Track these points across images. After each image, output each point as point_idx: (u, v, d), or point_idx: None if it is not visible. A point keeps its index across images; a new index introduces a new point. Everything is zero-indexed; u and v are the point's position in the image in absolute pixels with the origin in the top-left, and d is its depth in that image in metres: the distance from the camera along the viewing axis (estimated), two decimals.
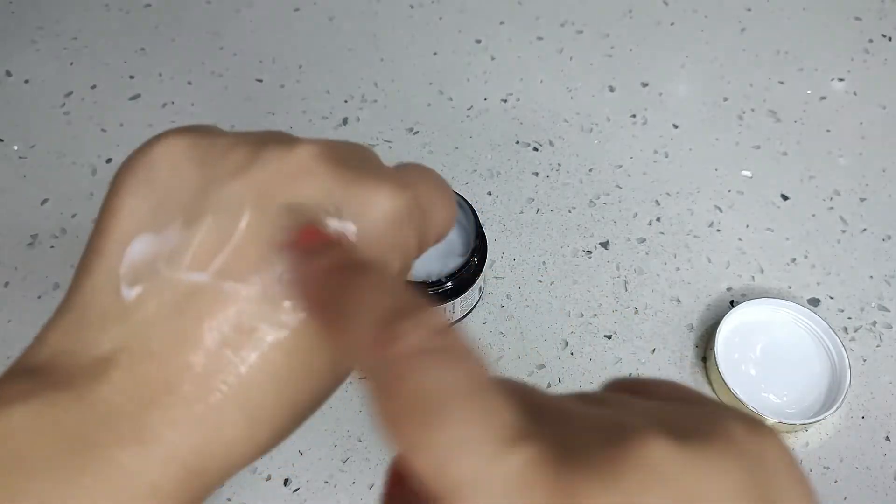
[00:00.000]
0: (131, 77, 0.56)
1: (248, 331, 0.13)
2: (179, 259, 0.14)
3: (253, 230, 0.14)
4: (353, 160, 0.15)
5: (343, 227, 0.14)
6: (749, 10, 0.60)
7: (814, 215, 0.49)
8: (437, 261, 0.40)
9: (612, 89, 0.55)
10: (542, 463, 0.10)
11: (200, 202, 0.14)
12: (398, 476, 0.14)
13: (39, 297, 0.46)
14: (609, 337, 0.44)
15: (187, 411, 0.13)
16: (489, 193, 0.50)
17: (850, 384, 0.40)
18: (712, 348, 0.41)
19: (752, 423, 0.13)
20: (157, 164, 0.15)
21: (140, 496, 0.12)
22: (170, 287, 0.14)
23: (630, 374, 0.43)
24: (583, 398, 0.14)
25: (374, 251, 0.14)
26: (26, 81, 0.56)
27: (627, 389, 0.15)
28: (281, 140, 0.15)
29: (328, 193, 0.14)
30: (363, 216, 0.14)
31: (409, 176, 0.16)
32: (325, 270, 0.13)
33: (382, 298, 0.12)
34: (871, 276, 0.46)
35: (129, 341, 0.13)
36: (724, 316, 0.42)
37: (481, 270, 0.41)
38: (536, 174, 0.50)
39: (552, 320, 0.44)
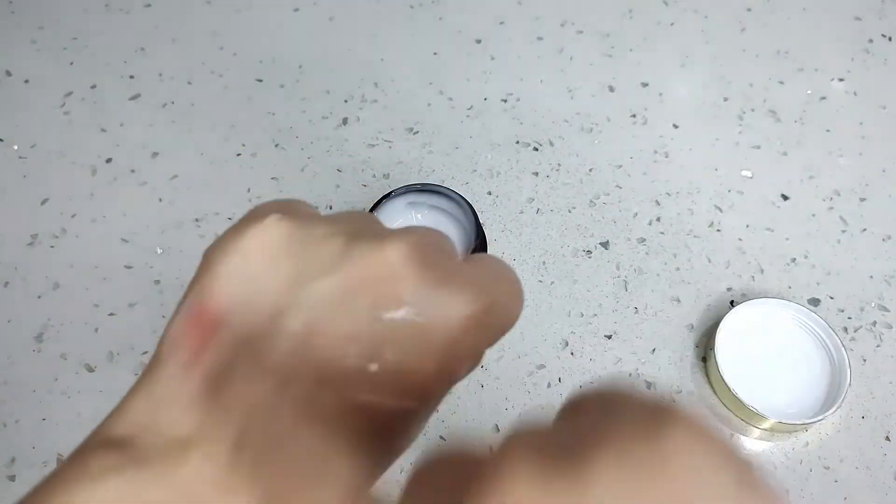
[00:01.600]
0: (131, 77, 0.56)
1: (319, 431, 0.14)
2: (269, 352, 0.14)
3: (337, 329, 0.14)
4: (437, 259, 0.15)
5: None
6: (749, 10, 0.60)
7: (814, 215, 0.49)
8: None
9: (612, 89, 0.55)
10: None
11: (292, 297, 0.15)
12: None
13: (39, 297, 0.45)
14: (609, 337, 0.44)
15: (271, 488, 0.13)
16: (489, 193, 0.50)
17: (850, 384, 0.40)
18: (712, 348, 0.41)
19: (653, 429, 0.11)
20: (253, 255, 0.15)
21: None
22: (264, 380, 0.14)
23: (630, 374, 0.43)
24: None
25: (450, 354, 0.15)
26: (26, 81, 0.56)
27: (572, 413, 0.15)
28: (370, 233, 0.16)
29: (413, 298, 0.14)
30: (443, 319, 0.15)
31: (485, 274, 0.16)
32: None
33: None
34: (871, 276, 0.46)
35: (208, 427, 0.14)
36: (724, 316, 0.42)
37: None
38: (536, 174, 0.50)
39: (552, 320, 0.44)
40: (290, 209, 0.17)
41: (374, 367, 0.14)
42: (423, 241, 0.16)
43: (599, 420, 0.13)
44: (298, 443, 0.14)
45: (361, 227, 0.16)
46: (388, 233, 0.16)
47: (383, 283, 0.15)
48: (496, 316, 0.16)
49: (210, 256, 0.16)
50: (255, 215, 0.16)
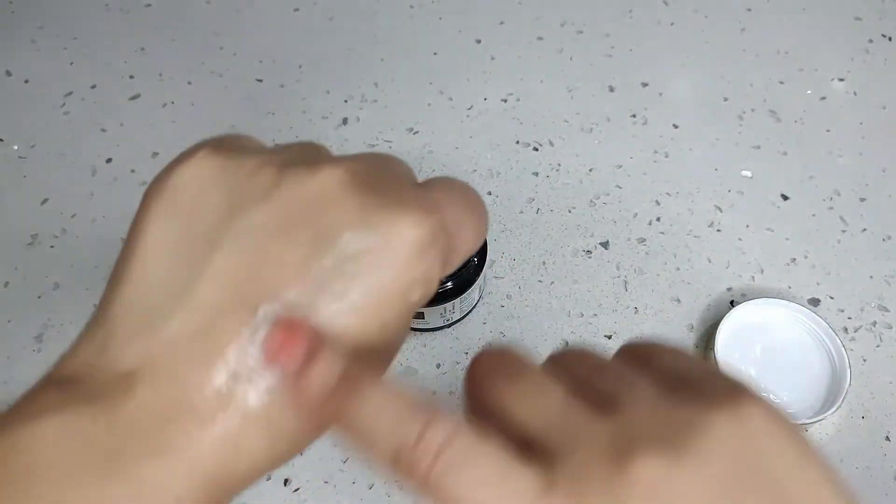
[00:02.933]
0: (131, 77, 0.56)
1: (261, 360, 0.14)
2: (204, 284, 0.14)
3: (274, 258, 0.14)
4: (379, 183, 0.15)
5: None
6: (749, 10, 0.60)
7: (814, 215, 0.49)
8: None
9: (612, 89, 0.55)
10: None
11: (225, 229, 0.14)
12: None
13: (39, 297, 0.45)
14: (609, 337, 0.44)
15: (209, 429, 0.13)
16: (489, 193, 0.50)
17: (850, 384, 0.40)
18: (712, 348, 0.41)
19: (736, 405, 0.14)
20: (183, 189, 0.15)
21: None
22: (194, 311, 0.14)
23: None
24: (591, 372, 0.16)
25: (397, 281, 0.14)
26: (26, 81, 0.56)
27: (635, 359, 0.17)
28: (307, 160, 0.15)
29: (350, 223, 0.14)
30: (385, 246, 0.14)
31: (436, 195, 0.16)
32: (322, 387, 0.14)
33: (391, 421, 0.13)
34: (871, 276, 0.46)
35: (154, 359, 0.14)
36: (724, 316, 0.42)
37: (481, 270, 0.41)
38: (536, 174, 0.50)
39: (552, 320, 0.44)
40: (222, 143, 0.16)
41: (318, 301, 0.14)
42: (362, 166, 0.15)
43: (705, 399, 0.14)
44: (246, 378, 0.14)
45: (298, 155, 0.16)
46: (326, 158, 0.15)
47: (320, 207, 0.14)
48: (446, 237, 0.15)
49: (146, 194, 0.16)
50: (187, 151, 0.16)
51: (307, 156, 0.16)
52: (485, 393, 0.16)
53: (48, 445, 0.13)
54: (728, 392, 0.14)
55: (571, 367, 0.17)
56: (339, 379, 0.14)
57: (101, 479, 0.13)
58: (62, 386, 0.14)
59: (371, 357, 0.15)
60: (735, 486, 0.13)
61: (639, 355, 0.17)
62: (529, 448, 0.14)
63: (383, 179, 0.15)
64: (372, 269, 0.14)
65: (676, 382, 0.15)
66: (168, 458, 0.13)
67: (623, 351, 0.17)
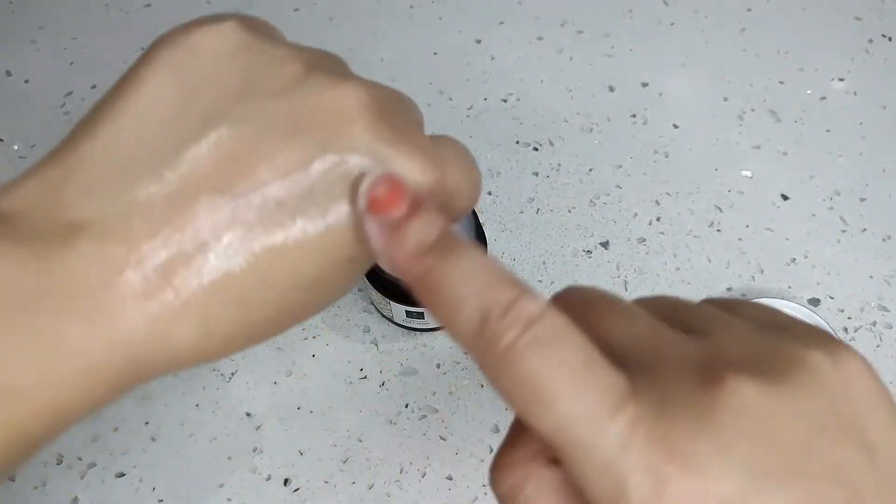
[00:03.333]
0: None
1: (225, 245, 0.13)
2: (190, 155, 0.13)
3: (272, 152, 0.13)
4: (396, 117, 0.15)
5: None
6: (749, 10, 0.60)
7: (814, 215, 0.49)
8: None
9: (612, 89, 0.55)
10: (642, 421, 0.12)
11: (230, 107, 0.14)
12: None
13: None
14: None
15: (143, 305, 0.13)
16: (489, 193, 0.50)
17: None
18: None
19: (834, 350, 0.13)
20: (199, 51, 0.14)
21: (76, 372, 0.12)
22: (169, 179, 0.13)
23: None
24: (678, 309, 0.15)
25: None
26: (26, 81, 0.56)
27: (723, 306, 0.16)
28: (333, 70, 0.15)
29: (360, 146, 0.14)
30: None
31: (442, 151, 0.15)
32: (415, 246, 0.13)
33: (478, 278, 0.12)
34: (871, 276, 0.46)
35: (108, 216, 0.13)
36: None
37: None
38: (536, 174, 0.50)
39: None
40: (254, 22, 0.15)
41: (304, 202, 0.13)
42: (384, 94, 0.15)
43: (797, 337, 0.14)
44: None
45: (324, 62, 0.15)
46: (351, 75, 0.15)
47: (335, 121, 0.14)
48: (445, 193, 0.15)
49: (155, 44, 0.15)
50: (212, 17, 0.15)
51: (333, 66, 0.15)
52: (572, 312, 0.14)
53: None
54: (826, 339, 0.14)
55: (659, 304, 0.16)
56: (438, 237, 0.13)
57: (20, 328, 0.12)
58: None
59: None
60: (829, 426, 0.12)
61: (724, 304, 0.16)
62: (618, 363, 0.13)
63: (399, 116, 0.15)
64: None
65: (770, 325, 0.14)
66: (93, 323, 0.12)
67: (705, 301, 0.17)
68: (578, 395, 0.12)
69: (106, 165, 0.13)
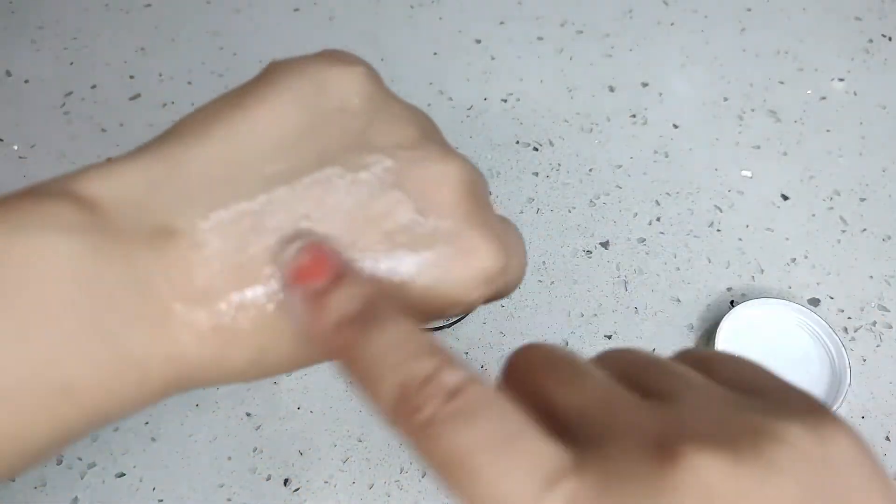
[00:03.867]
0: (131, 77, 0.56)
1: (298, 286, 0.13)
2: (298, 187, 0.13)
3: (372, 207, 0.14)
4: (482, 199, 0.15)
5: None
6: (749, 10, 0.60)
7: (814, 215, 0.49)
8: None
9: (612, 89, 0.55)
10: (580, 500, 0.10)
11: (345, 150, 0.14)
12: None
13: None
14: (609, 337, 0.44)
15: (208, 326, 0.13)
16: (489, 192, 0.50)
17: (849, 384, 0.40)
18: (712, 348, 0.41)
19: (817, 421, 0.11)
20: (331, 91, 0.14)
21: (130, 380, 0.12)
22: (270, 206, 0.13)
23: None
24: (645, 367, 0.14)
25: (452, 292, 0.14)
26: (26, 81, 0.56)
27: (694, 361, 0.15)
28: (441, 143, 0.15)
29: (451, 223, 0.14)
30: (463, 258, 0.14)
31: (506, 236, 0.16)
32: (337, 315, 0.13)
33: (403, 357, 0.12)
34: (871, 276, 0.46)
35: (201, 230, 0.13)
36: (724, 316, 0.42)
37: None
38: (536, 174, 0.50)
39: (552, 320, 0.44)
40: (376, 74, 0.16)
41: (382, 260, 0.13)
42: (477, 175, 0.16)
43: (772, 405, 0.12)
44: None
45: (432, 129, 0.16)
46: (454, 151, 0.15)
47: (435, 190, 0.14)
48: (503, 278, 0.15)
49: (280, 74, 0.15)
50: (339, 55, 0.15)
51: (438, 136, 0.16)
52: (520, 377, 0.14)
53: (52, 268, 0.11)
54: (808, 406, 0.12)
55: (621, 360, 0.15)
56: (360, 308, 0.13)
57: (90, 327, 0.12)
58: (87, 207, 0.12)
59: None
60: (808, 499, 0.10)
61: (698, 359, 0.15)
62: (564, 434, 0.12)
63: (484, 198, 0.16)
64: (443, 267, 0.14)
65: (744, 388, 0.13)
66: (158, 335, 0.12)
67: (679, 354, 0.16)
68: (504, 471, 0.11)
69: (211, 174, 0.13)
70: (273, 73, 0.15)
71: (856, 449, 0.11)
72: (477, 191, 0.15)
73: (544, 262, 0.47)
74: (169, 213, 0.13)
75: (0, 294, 0.11)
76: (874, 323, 0.44)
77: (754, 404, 0.12)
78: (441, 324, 0.43)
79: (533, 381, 0.14)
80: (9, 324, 0.11)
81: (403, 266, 0.14)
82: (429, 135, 0.15)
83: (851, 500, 0.11)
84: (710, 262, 0.47)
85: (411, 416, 0.11)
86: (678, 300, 0.45)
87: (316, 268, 0.13)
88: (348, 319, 0.13)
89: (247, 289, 0.13)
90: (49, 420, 0.12)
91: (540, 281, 0.46)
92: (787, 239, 0.48)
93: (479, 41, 0.58)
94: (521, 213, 0.49)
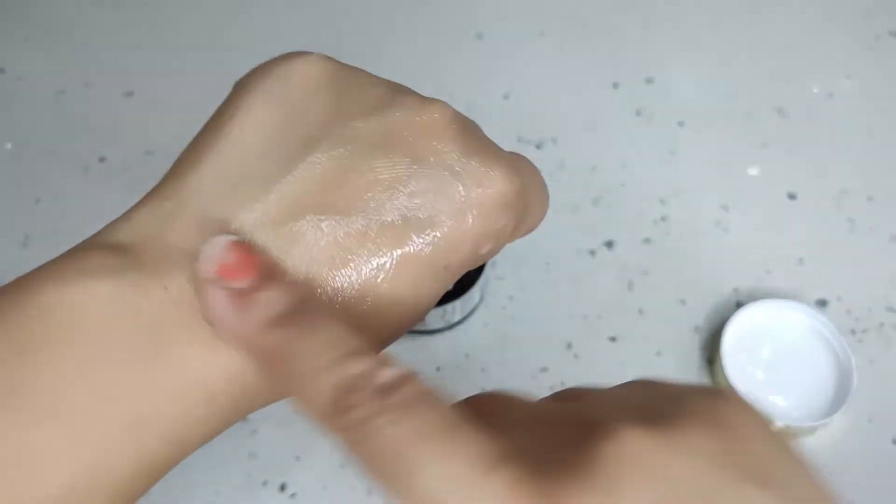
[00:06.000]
0: (126, 74, 0.56)
1: (332, 269, 0.13)
2: (292, 178, 0.14)
3: (371, 170, 0.14)
4: (477, 132, 0.16)
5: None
6: (756, 6, 0.59)
7: (821, 215, 0.48)
8: None
9: (615, 86, 0.54)
10: (521, 481, 0.11)
11: (328, 131, 0.14)
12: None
13: None
14: (613, 339, 0.43)
15: None
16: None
17: (856, 386, 0.39)
18: (718, 350, 0.40)
19: (714, 394, 0.13)
20: (295, 80, 0.15)
21: (197, 401, 0.13)
22: (274, 203, 0.13)
23: (636, 377, 0.42)
24: (550, 397, 0.15)
25: (476, 227, 0.14)
26: (19, 78, 0.55)
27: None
28: (415, 94, 0.16)
29: (453, 156, 0.14)
30: (476, 189, 0.14)
31: (518, 161, 0.16)
32: (264, 316, 0.12)
33: (336, 357, 0.12)
34: (879, 277, 0.46)
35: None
36: (730, 317, 0.41)
37: (482, 271, 0.40)
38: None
39: (555, 322, 0.44)
40: (327, 56, 0.16)
41: (400, 223, 0.14)
42: (463, 116, 0.16)
43: (675, 390, 0.13)
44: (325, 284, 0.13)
45: (404, 87, 0.16)
46: (428, 97, 0.16)
47: (425, 136, 0.14)
48: (524, 203, 0.16)
49: (245, 81, 0.15)
50: (294, 52, 0.16)
51: (412, 91, 0.16)
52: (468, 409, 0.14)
53: (99, 308, 0.12)
54: (708, 388, 0.14)
55: (559, 393, 0.16)
56: (290, 309, 0.12)
57: (146, 354, 0.12)
58: (118, 251, 0.13)
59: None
60: (728, 465, 0.11)
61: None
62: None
63: (476, 130, 0.16)
64: (459, 207, 0.14)
65: (657, 388, 0.14)
66: (214, 352, 0.13)
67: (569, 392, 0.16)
68: (444, 461, 0.11)
69: (214, 194, 0.14)
70: (239, 86, 0.16)
71: (754, 415, 0.13)
72: (468, 125, 0.15)
73: (547, 263, 0.46)
74: (189, 240, 0.13)
75: (58, 339, 0.12)
76: (882, 324, 0.44)
77: (665, 395, 0.13)
78: (441, 325, 0.42)
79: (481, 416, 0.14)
80: (71, 364, 0.12)
81: (423, 213, 0.14)
82: (401, 90, 0.15)
83: (761, 453, 0.12)
84: (716, 262, 0.46)
85: (346, 415, 0.11)
86: (684, 301, 0.45)
87: (242, 265, 0.13)
88: (277, 320, 0.12)
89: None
90: (130, 453, 0.12)
91: (542, 282, 0.45)
92: (795, 239, 0.47)
93: (479, 36, 0.57)
94: None
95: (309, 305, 0.13)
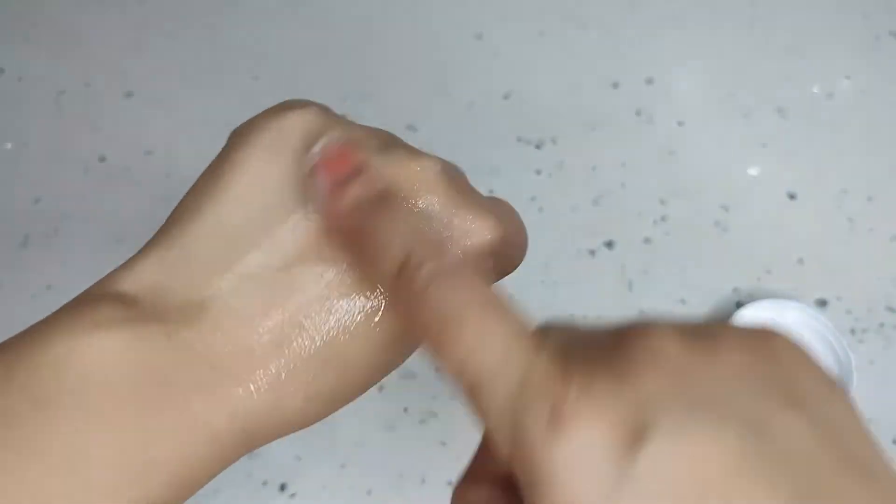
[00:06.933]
0: (125, 74, 0.55)
1: (328, 312, 0.14)
2: (291, 228, 0.15)
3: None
4: (463, 184, 0.17)
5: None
6: (755, 6, 0.59)
7: (821, 215, 0.48)
8: None
9: (615, 86, 0.54)
10: (553, 357, 0.12)
11: None
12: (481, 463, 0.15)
13: (32, 298, 0.45)
14: None
15: (261, 376, 0.14)
16: (490, 192, 0.49)
17: (856, 386, 0.39)
18: None
19: (762, 328, 0.13)
20: (291, 132, 0.16)
21: (201, 442, 0.13)
22: (275, 252, 0.14)
23: None
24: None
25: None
26: (20, 79, 0.55)
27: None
28: (406, 147, 0.16)
29: (441, 209, 0.15)
30: (464, 239, 0.16)
31: (501, 212, 0.17)
32: (355, 200, 0.14)
33: (404, 230, 0.14)
34: (879, 277, 0.45)
35: (225, 295, 0.14)
36: (730, 317, 0.41)
37: None
38: (538, 172, 0.50)
39: None
40: (322, 106, 0.17)
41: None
42: (453, 167, 0.17)
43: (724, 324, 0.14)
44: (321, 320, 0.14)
45: (394, 138, 0.17)
46: (419, 151, 0.17)
47: (416, 190, 0.15)
48: (507, 249, 0.17)
49: (242, 132, 0.16)
50: (290, 103, 0.17)
51: (402, 142, 0.17)
52: None
53: (110, 362, 0.13)
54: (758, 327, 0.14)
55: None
56: (375, 195, 0.14)
57: (153, 404, 0.13)
58: (124, 302, 0.14)
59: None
60: (751, 374, 0.11)
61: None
62: None
63: (462, 181, 0.17)
64: (448, 251, 0.15)
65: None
66: (216, 396, 0.13)
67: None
68: (485, 325, 0.12)
69: (216, 244, 0.15)
70: (236, 135, 0.16)
71: (797, 346, 0.12)
72: (455, 176, 0.16)
73: (547, 263, 0.46)
74: (191, 288, 0.14)
75: (72, 392, 0.12)
76: (882, 324, 0.44)
77: (715, 322, 0.14)
78: None
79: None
80: (83, 416, 0.12)
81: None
82: (393, 143, 0.16)
83: (796, 378, 0.12)
84: (716, 262, 0.46)
85: (410, 281, 0.13)
86: (684, 301, 0.44)
87: (344, 159, 0.15)
88: (365, 202, 0.14)
89: (281, 337, 0.14)
90: (137, 499, 0.13)
91: (543, 282, 0.45)
92: (794, 239, 0.47)
93: (480, 37, 0.57)
94: (523, 212, 0.48)
95: (392, 194, 0.15)
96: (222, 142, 0.17)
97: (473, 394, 0.12)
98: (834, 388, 0.12)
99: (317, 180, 0.15)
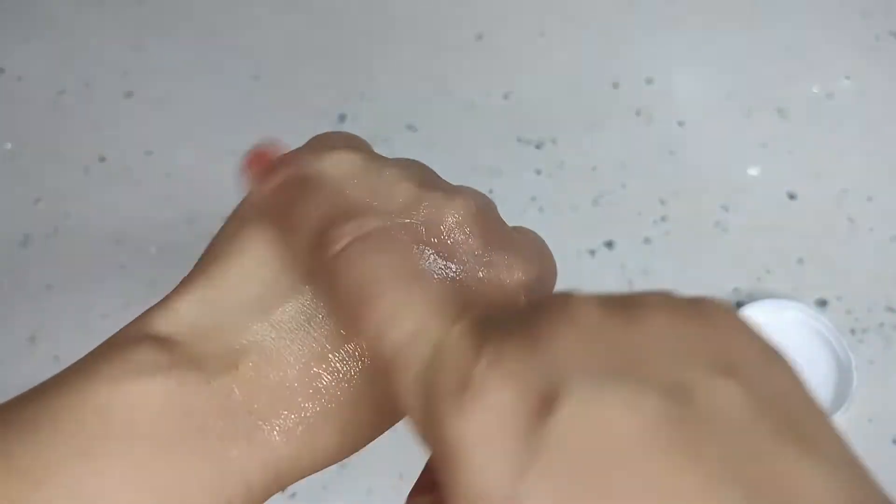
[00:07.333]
0: (125, 74, 0.56)
1: (358, 357, 0.14)
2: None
3: (402, 268, 0.15)
4: (496, 222, 0.17)
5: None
6: (755, 6, 0.59)
7: (821, 215, 0.48)
8: None
9: (615, 86, 0.54)
10: (469, 329, 0.11)
11: (355, 229, 0.15)
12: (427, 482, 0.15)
13: (32, 298, 0.45)
14: None
15: (298, 423, 0.14)
16: (490, 192, 0.48)
17: (856, 386, 0.39)
18: None
19: (700, 297, 0.12)
20: (328, 177, 0.16)
21: (234, 490, 0.13)
22: (308, 302, 0.14)
23: None
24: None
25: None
26: (19, 78, 0.55)
27: None
28: (440, 188, 0.16)
29: (476, 252, 0.15)
30: (499, 278, 0.16)
31: (532, 246, 0.17)
32: (277, 187, 0.15)
33: (322, 207, 0.14)
34: (879, 277, 0.46)
35: (265, 341, 0.14)
36: None
37: None
38: (538, 172, 0.50)
39: None
40: (354, 140, 0.17)
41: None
42: (486, 203, 0.17)
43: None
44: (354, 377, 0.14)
45: (430, 177, 0.17)
46: (454, 188, 0.17)
47: (451, 234, 0.15)
48: (541, 285, 0.17)
49: (286, 174, 0.16)
50: (322, 144, 0.17)
51: (434, 179, 0.17)
52: None
53: (152, 408, 0.13)
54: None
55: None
56: (296, 177, 0.15)
57: (190, 450, 0.13)
58: (165, 346, 0.14)
59: None
60: (679, 339, 0.10)
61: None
62: None
63: (494, 218, 0.17)
64: (485, 295, 0.15)
65: None
66: (252, 444, 0.13)
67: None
68: (404, 295, 0.12)
69: (257, 289, 0.15)
70: (282, 173, 0.16)
71: (734, 314, 0.12)
72: (488, 216, 0.16)
73: None
74: (230, 332, 0.14)
75: (116, 439, 0.13)
76: (882, 324, 0.44)
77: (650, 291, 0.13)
78: None
79: None
80: (127, 464, 0.12)
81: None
82: (426, 184, 0.16)
83: (728, 344, 0.11)
84: (716, 262, 0.46)
85: (327, 248, 0.13)
86: None
87: (269, 156, 0.16)
88: (288, 182, 0.15)
89: (316, 380, 0.14)
90: None
91: None
92: (794, 239, 0.47)
93: (479, 36, 0.57)
94: (524, 212, 0.48)
95: (311, 176, 0.15)
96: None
97: (388, 370, 0.12)
98: (774, 354, 0.11)
99: (246, 174, 0.16)
